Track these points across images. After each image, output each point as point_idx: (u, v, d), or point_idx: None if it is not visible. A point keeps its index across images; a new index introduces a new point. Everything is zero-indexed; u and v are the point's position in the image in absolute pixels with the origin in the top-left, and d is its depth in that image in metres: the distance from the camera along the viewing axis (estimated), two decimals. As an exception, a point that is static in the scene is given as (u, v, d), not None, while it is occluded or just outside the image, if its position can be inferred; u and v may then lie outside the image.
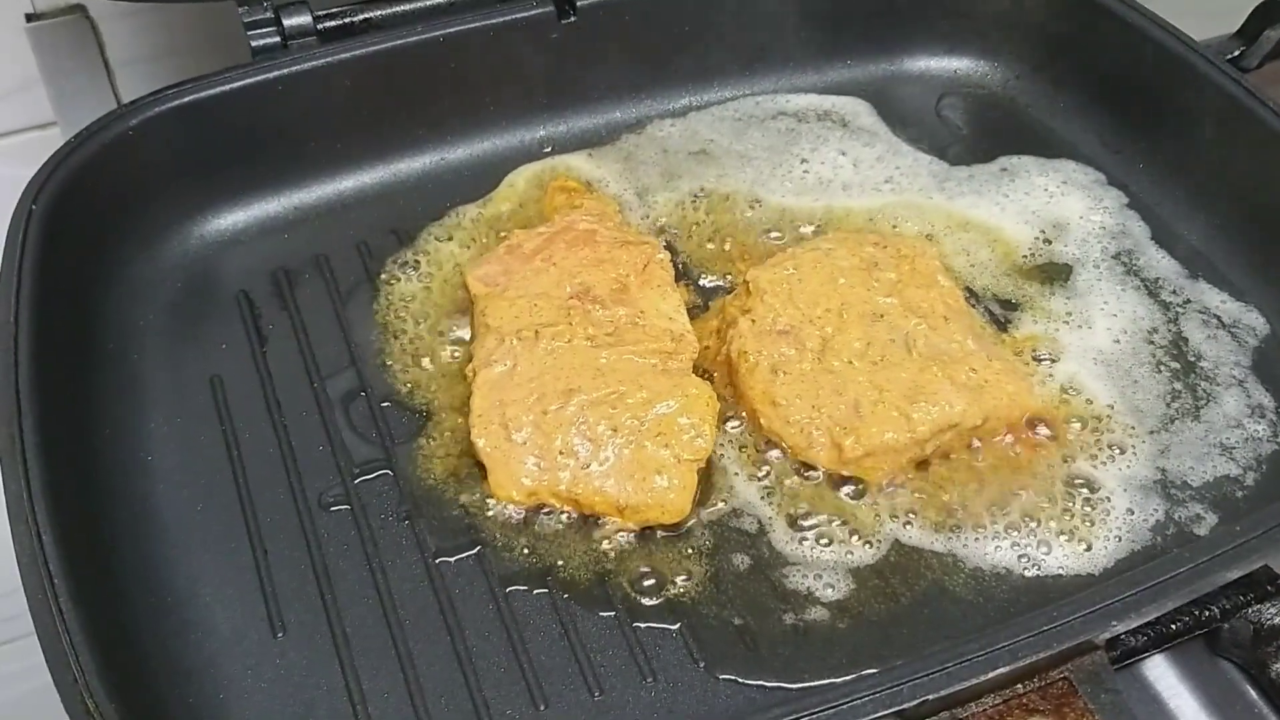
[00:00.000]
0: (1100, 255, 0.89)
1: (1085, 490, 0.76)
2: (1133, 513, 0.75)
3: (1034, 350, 0.84)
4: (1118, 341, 0.84)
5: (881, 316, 0.81)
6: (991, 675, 0.60)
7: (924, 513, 0.75)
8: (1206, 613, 0.73)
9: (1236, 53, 0.94)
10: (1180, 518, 0.75)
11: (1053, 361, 0.83)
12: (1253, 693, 0.74)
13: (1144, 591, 0.62)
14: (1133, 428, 0.79)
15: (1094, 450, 0.78)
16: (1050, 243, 0.90)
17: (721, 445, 0.78)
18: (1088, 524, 0.75)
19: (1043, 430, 0.79)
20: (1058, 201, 0.93)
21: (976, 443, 0.78)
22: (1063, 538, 0.74)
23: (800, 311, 0.81)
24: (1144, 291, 0.87)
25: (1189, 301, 0.87)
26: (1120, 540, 0.74)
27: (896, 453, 0.76)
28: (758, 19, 1.01)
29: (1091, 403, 0.81)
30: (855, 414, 0.76)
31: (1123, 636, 0.72)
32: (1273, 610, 0.72)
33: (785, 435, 0.77)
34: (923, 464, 0.77)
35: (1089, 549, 0.74)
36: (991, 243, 0.91)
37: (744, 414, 0.80)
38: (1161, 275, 0.88)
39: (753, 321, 0.81)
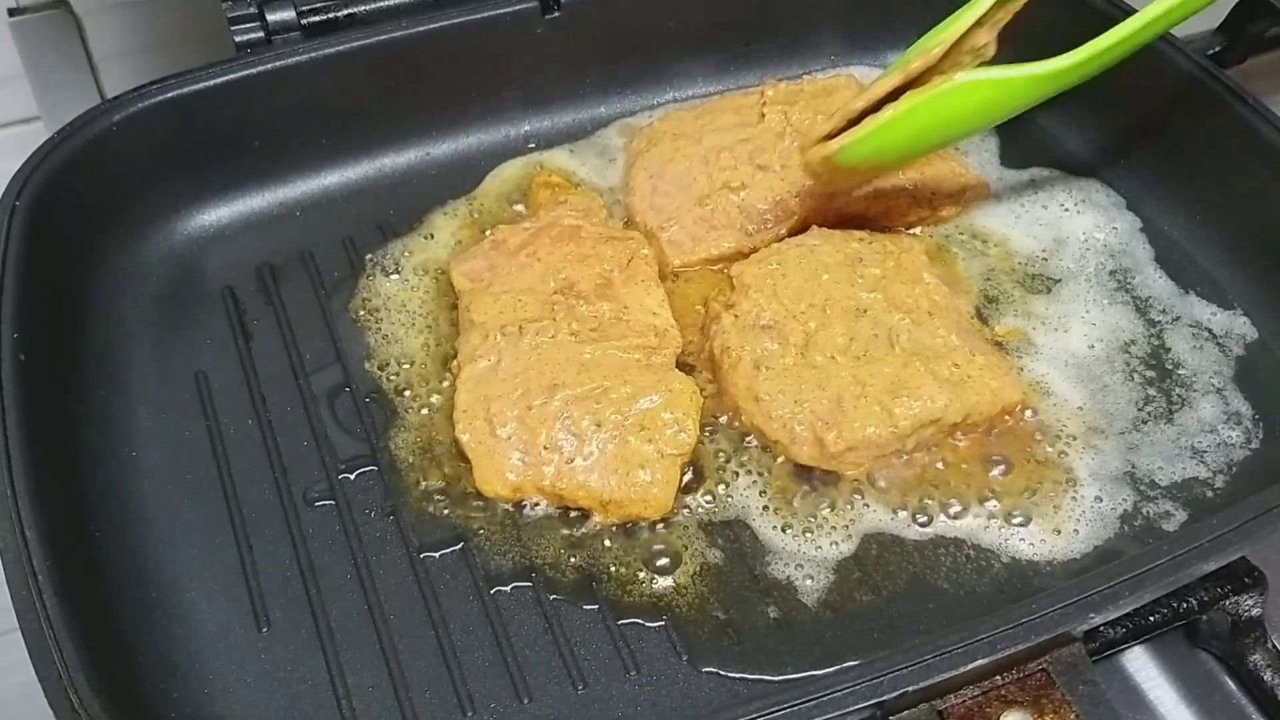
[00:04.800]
0: (1094, 270, 0.89)
1: (1057, 481, 0.77)
2: (1101, 501, 0.76)
3: (1007, 344, 0.84)
4: (1092, 348, 0.84)
5: (865, 312, 0.81)
6: (970, 667, 0.60)
7: (904, 505, 0.76)
8: (1185, 604, 0.74)
9: (1218, 48, 0.94)
10: (1149, 512, 0.76)
11: (1024, 356, 0.83)
12: (1231, 684, 0.74)
13: (1122, 583, 0.62)
14: (1102, 429, 0.80)
15: (1064, 444, 0.79)
16: (1048, 259, 0.90)
17: (704, 440, 0.79)
18: (1058, 511, 0.75)
19: (1019, 423, 0.79)
20: (1070, 218, 0.92)
21: (959, 437, 0.79)
22: (1038, 528, 0.75)
23: (784, 307, 0.81)
24: (1131, 307, 0.87)
25: (1178, 318, 0.86)
26: (1091, 528, 0.75)
27: (878, 447, 0.76)
28: (744, 13, 1.01)
29: (1062, 401, 0.81)
30: (838, 409, 0.76)
31: (1101, 628, 0.73)
32: (1250, 602, 0.73)
33: (768, 430, 0.77)
34: (904, 456, 0.78)
35: (1061, 536, 0.74)
36: (992, 249, 0.91)
37: (727, 408, 0.80)
38: (1154, 294, 0.87)
39: (735, 317, 0.81)
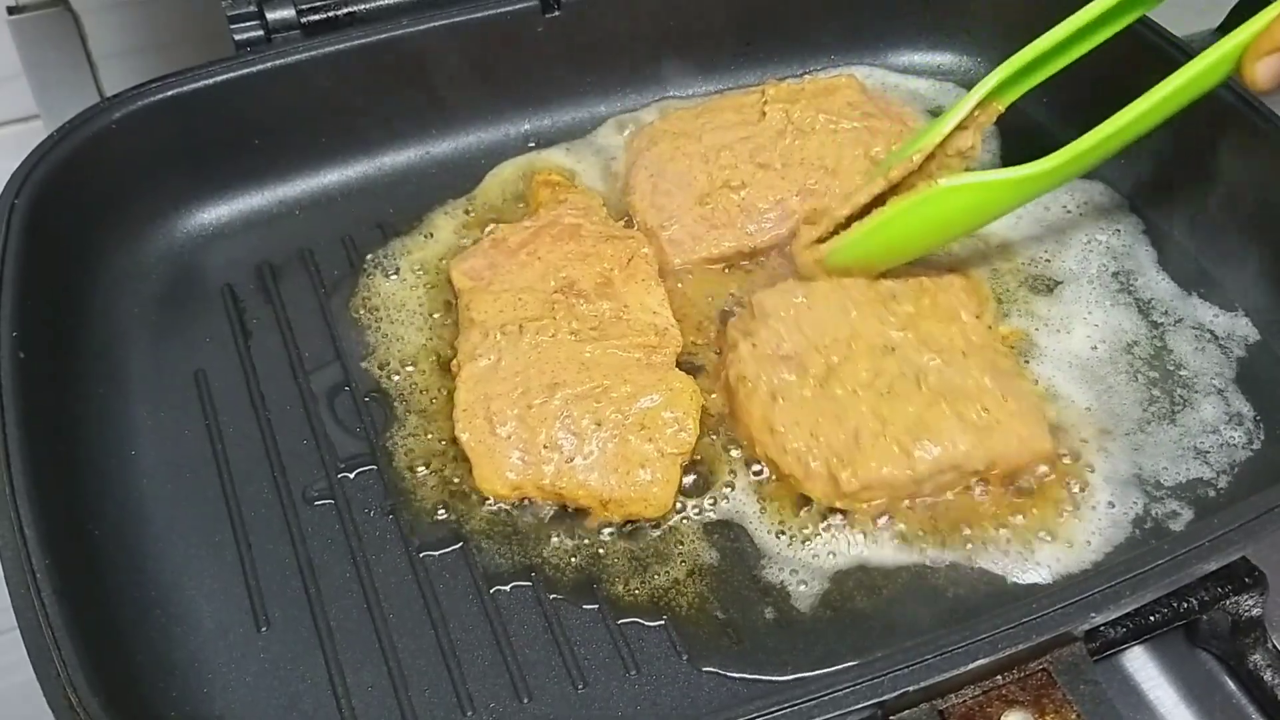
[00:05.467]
0: (1097, 272, 0.88)
1: (1072, 494, 0.76)
2: (1114, 506, 0.76)
3: (1010, 345, 0.83)
4: (1095, 349, 0.84)
5: (893, 349, 0.77)
6: (971, 667, 0.60)
7: (917, 543, 0.74)
8: (1185, 604, 0.74)
9: (1218, 48, 0.94)
10: (1157, 513, 0.76)
11: (1028, 358, 0.83)
12: (1231, 684, 0.74)
13: (1123, 583, 0.62)
14: (1110, 430, 0.79)
15: (1078, 447, 0.78)
16: (1050, 260, 0.89)
17: (705, 439, 0.79)
18: (1071, 516, 0.75)
19: (1046, 477, 0.76)
20: (1073, 219, 0.92)
21: (982, 486, 0.75)
22: (1049, 553, 0.73)
23: (805, 338, 0.78)
24: (1134, 309, 0.86)
25: (1180, 320, 0.86)
26: (1102, 534, 0.74)
27: (893, 489, 0.73)
28: (744, 12, 1.01)
29: (1069, 403, 0.81)
30: (854, 444, 0.73)
31: (1102, 628, 0.73)
32: (1250, 602, 0.73)
33: (781, 464, 0.75)
34: (921, 500, 0.75)
35: (1074, 549, 0.74)
36: (995, 249, 0.90)
37: (741, 438, 0.78)
38: (1156, 296, 0.87)
39: (754, 345, 0.78)
